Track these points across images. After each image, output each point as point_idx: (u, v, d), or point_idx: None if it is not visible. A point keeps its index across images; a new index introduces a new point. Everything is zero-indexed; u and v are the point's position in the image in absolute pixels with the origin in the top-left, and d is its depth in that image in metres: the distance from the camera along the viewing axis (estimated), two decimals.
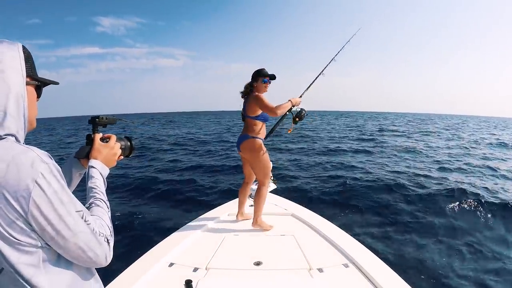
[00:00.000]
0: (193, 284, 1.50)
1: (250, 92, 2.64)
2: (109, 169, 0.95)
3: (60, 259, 0.69)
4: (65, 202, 0.65)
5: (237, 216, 2.86)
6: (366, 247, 2.24)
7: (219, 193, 5.85)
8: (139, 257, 2.08)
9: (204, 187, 6.23)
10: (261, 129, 2.62)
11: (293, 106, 2.60)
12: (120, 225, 4.08)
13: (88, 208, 0.79)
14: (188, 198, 5.66)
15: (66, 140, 19.41)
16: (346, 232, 2.53)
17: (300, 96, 2.74)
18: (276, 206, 3.16)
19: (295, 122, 2.66)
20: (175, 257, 2.12)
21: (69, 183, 0.97)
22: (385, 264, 2.01)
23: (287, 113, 2.63)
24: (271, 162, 2.71)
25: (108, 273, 1.81)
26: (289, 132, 2.77)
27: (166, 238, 2.40)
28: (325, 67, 3.07)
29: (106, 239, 0.72)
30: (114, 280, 1.79)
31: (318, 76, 3.01)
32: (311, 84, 2.94)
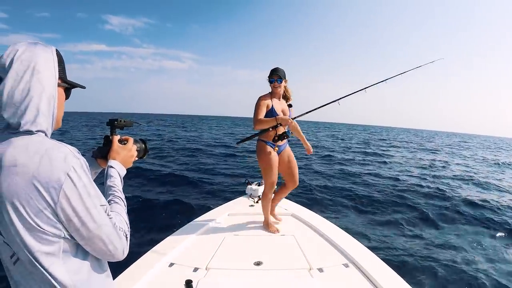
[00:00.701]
0: (193, 284, 1.50)
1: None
2: (126, 169, 0.99)
3: (78, 252, 0.72)
4: (92, 196, 0.69)
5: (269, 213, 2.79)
6: (366, 247, 2.24)
7: (220, 193, 5.85)
8: (139, 257, 2.07)
9: (204, 188, 6.22)
10: (269, 132, 2.50)
11: (280, 124, 2.42)
12: None
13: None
14: (188, 198, 5.65)
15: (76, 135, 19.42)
16: (346, 232, 2.53)
17: (294, 118, 2.57)
18: (277, 206, 3.15)
19: (273, 140, 2.49)
20: (175, 257, 2.12)
21: None
22: (385, 264, 2.00)
23: (270, 129, 2.46)
24: (275, 167, 2.56)
25: None
26: (275, 150, 2.60)
27: (166, 238, 2.39)
28: (341, 98, 2.68)
29: (124, 234, 0.76)
30: (114, 280, 1.79)
31: (329, 103, 2.68)
32: (314, 110, 2.63)
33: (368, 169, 9.92)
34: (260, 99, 2.53)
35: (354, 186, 6.96)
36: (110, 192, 0.87)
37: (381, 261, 2.04)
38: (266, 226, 2.66)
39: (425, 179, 8.83)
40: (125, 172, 0.97)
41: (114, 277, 1.81)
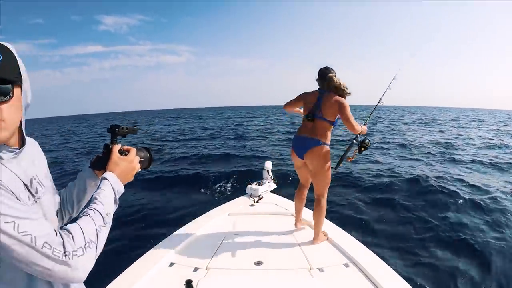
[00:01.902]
0: (194, 284, 1.50)
1: (331, 90, 2.32)
2: (124, 185, 0.89)
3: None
4: None
5: (295, 224, 2.65)
6: (366, 247, 2.24)
7: (220, 193, 5.81)
8: (139, 257, 2.07)
9: (204, 187, 6.15)
10: (330, 136, 2.36)
11: (359, 133, 2.38)
12: (121, 223, 4.09)
13: (77, 218, 0.75)
14: (188, 197, 5.60)
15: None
16: (346, 231, 2.53)
17: (364, 124, 2.49)
18: (277, 206, 3.15)
19: (360, 152, 2.40)
20: (175, 257, 2.12)
21: (83, 192, 0.96)
22: (386, 264, 2.00)
23: (354, 141, 2.42)
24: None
25: (108, 273, 1.81)
26: (349, 160, 2.47)
27: (166, 238, 2.39)
28: (387, 88, 2.82)
29: (63, 252, 0.63)
30: (114, 280, 1.79)
31: (379, 100, 2.85)
32: (372, 112, 2.79)
33: (377, 155, 9.49)
34: (345, 100, 2.31)
35: (358, 179, 6.50)
36: (89, 204, 0.77)
37: (382, 260, 2.04)
38: (321, 238, 2.39)
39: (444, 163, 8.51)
40: (122, 188, 0.87)
41: (114, 277, 1.81)
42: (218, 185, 6.21)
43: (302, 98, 2.47)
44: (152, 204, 5.20)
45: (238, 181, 6.18)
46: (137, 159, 0.95)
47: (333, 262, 2.06)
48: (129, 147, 0.96)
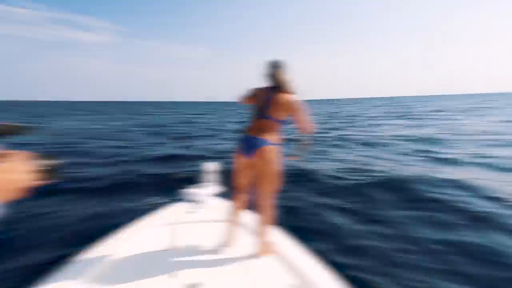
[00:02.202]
0: None
1: (282, 89, 2.17)
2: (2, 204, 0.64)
3: None
4: None
5: (227, 242, 2.29)
6: (325, 265, 2.00)
7: (148, 199, 4.94)
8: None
9: (136, 193, 5.25)
10: (279, 135, 2.24)
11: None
12: (7, 246, 3.15)
13: None
14: (104, 205, 4.63)
15: None
16: (302, 245, 2.27)
17: None
18: (219, 212, 2.81)
19: (305, 150, 2.30)
20: (81, 286, 1.68)
21: None
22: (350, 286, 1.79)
23: (297, 139, 2.33)
24: None
25: None
26: (294, 159, 2.37)
27: (74, 262, 1.91)
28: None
29: None
30: None
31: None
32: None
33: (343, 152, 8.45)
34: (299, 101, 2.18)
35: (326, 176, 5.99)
36: None
37: (345, 282, 1.81)
38: (267, 250, 2.16)
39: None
40: None
41: None
42: (152, 190, 5.36)
43: (253, 94, 2.31)
44: (57, 217, 4.05)
45: (176, 184, 5.31)
46: (22, 168, 0.70)
47: (283, 282, 1.80)
48: (7, 152, 0.70)
